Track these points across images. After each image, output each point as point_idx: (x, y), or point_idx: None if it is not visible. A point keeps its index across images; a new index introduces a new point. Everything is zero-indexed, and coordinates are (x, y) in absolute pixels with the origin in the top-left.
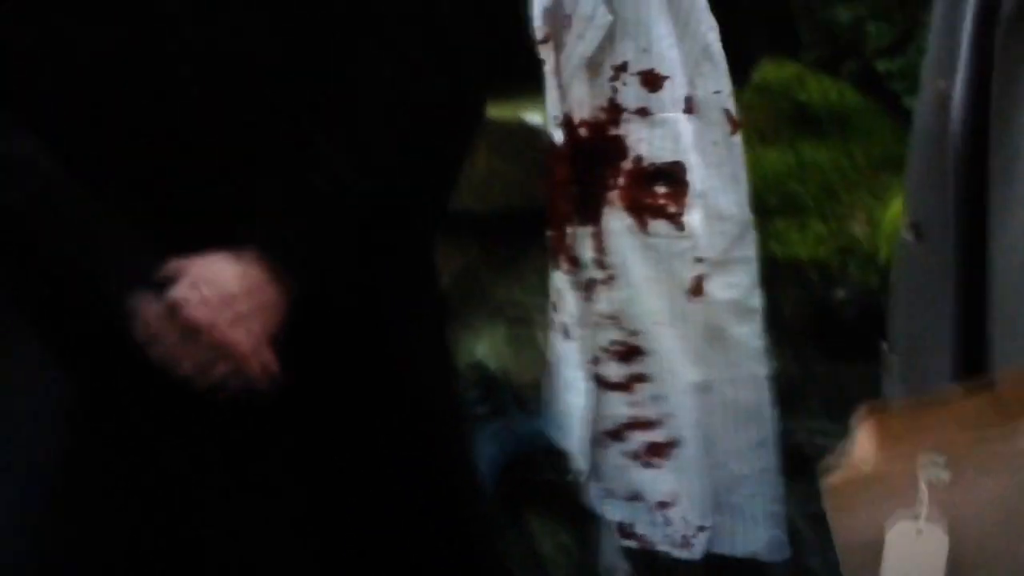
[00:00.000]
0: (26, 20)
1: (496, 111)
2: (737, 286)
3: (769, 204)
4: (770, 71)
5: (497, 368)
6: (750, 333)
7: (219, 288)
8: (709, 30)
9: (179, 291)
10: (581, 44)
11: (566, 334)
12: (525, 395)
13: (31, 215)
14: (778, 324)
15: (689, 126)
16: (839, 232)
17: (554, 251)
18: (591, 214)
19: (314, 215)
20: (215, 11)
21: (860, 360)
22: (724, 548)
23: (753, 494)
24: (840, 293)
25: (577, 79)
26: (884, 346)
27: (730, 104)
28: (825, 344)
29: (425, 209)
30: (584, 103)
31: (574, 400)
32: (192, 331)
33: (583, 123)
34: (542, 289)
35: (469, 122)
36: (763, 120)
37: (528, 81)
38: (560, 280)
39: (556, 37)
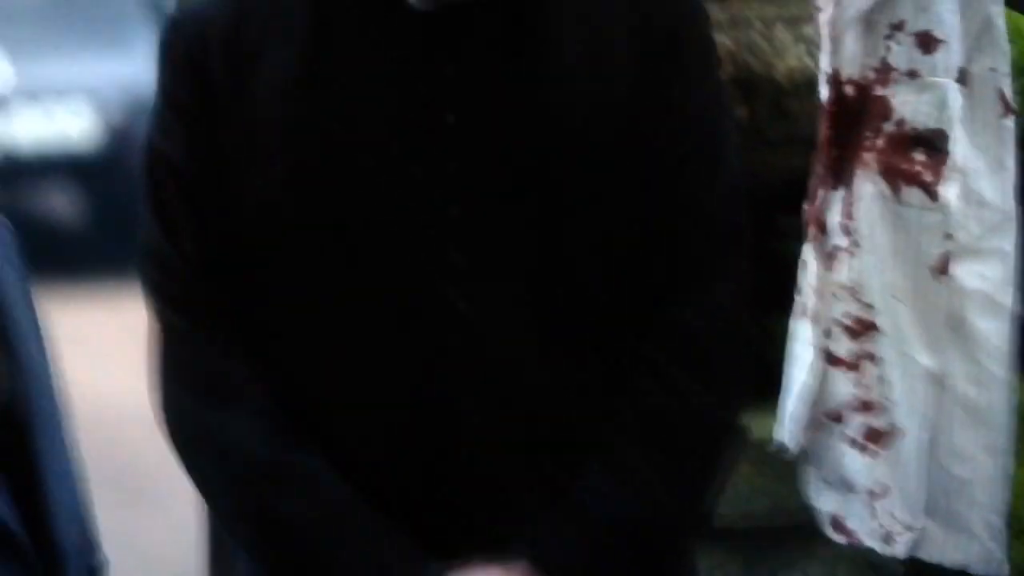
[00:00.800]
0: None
1: (757, 428)
2: (988, 278)
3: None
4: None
5: None
6: (996, 330)
7: None
8: (994, 4)
9: None
10: None
11: (803, 312)
12: None
13: (315, 528)
14: None
15: (958, 97)
16: None
17: (808, 220)
18: (844, 177)
19: (581, 534)
20: (487, 337)
21: None
22: (932, 555)
23: (973, 502)
24: None
25: (850, 34)
26: None
27: (1005, 85)
28: None
29: (687, 525)
30: (854, 60)
31: (797, 375)
32: None
33: (850, 81)
34: None
35: (731, 442)
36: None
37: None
38: (807, 251)
39: None
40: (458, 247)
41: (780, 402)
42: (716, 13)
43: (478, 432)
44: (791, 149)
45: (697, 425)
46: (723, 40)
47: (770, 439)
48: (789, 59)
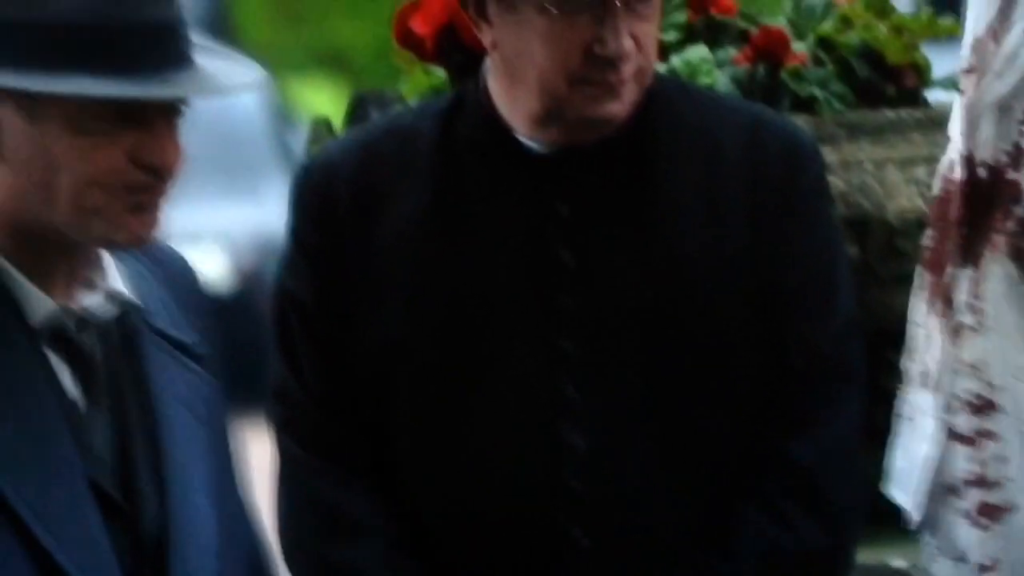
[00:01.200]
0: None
1: (862, 555)
2: None
3: None
4: None
5: None
6: None
7: None
8: None
9: None
10: (998, 83)
11: (924, 382)
12: None
13: None
14: None
15: None
16: None
17: (931, 293)
18: (974, 256)
19: None
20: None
21: None
22: None
23: None
24: None
25: (986, 118)
26: None
27: None
28: None
29: None
30: (989, 143)
31: (922, 448)
32: None
33: (984, 163)
34: None
35: (839, 570)
36: None
37: (891, 525)
38: (932, 324)
39: (980, 70)
40: (572, 382)
41: (894, 468)
42: (828, 155)
43: (590, 561)
44: (903, 288)
45: (810, 560)
46: (835, 182)
47: (878, 567)
48: (900, 200)
